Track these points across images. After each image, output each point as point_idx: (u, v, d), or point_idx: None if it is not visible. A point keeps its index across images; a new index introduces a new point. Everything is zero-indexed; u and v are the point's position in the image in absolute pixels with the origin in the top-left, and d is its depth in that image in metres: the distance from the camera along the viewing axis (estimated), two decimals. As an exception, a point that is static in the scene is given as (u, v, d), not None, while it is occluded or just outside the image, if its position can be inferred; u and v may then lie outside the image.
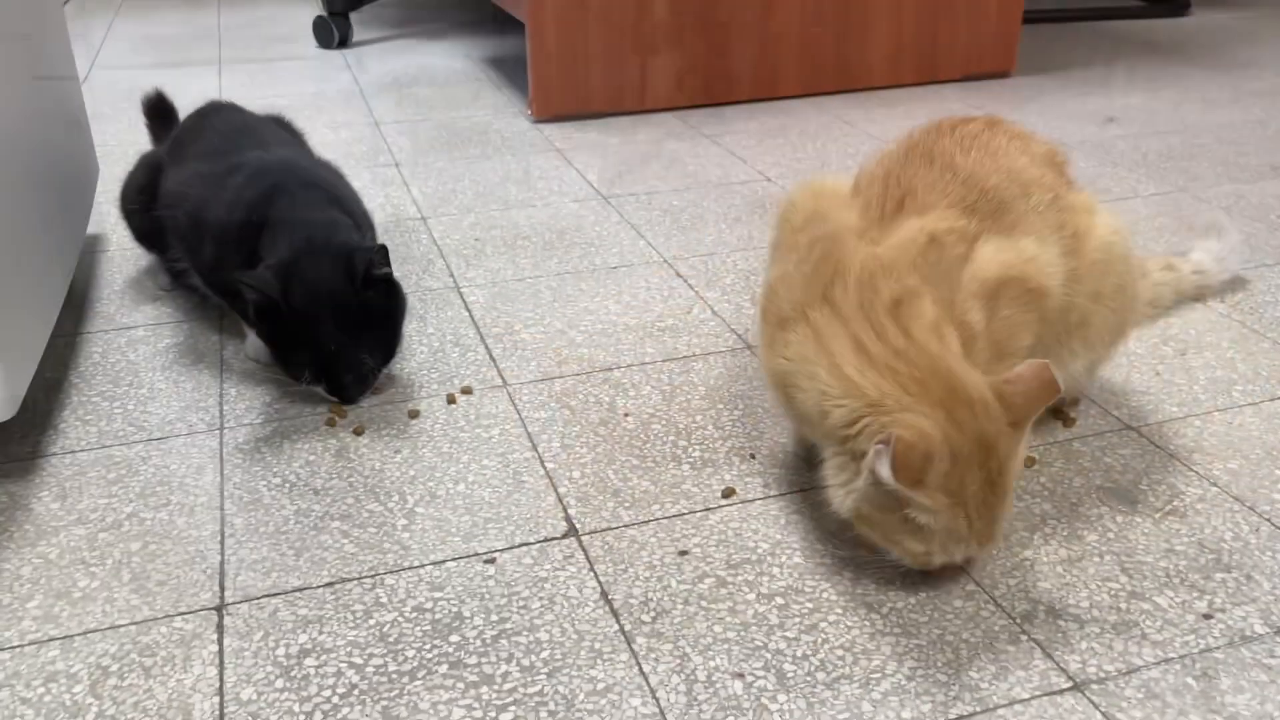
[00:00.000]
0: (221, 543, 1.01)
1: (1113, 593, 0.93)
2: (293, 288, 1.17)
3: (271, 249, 1.22)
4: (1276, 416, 1.19)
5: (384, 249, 1.20)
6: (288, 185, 1.28)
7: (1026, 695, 0.83)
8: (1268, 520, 1.02)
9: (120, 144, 2.15)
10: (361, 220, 1.35)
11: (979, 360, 0.94)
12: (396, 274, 1.57)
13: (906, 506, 0.86)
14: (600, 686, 0.84)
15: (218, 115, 1.48)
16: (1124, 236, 1.08)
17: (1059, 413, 1.19)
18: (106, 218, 1.80)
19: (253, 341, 1.33)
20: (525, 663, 0.87)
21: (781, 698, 0.83)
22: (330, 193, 1.32)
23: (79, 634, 0.90)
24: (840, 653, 0.87)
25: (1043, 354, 1.06)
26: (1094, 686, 0.83)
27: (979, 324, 0.95)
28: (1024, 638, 0.88)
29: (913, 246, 0.95)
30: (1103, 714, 0.81)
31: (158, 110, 1.63)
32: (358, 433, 1.18)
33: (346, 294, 1.18)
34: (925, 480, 0.84)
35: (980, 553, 0.92)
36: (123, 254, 1.66)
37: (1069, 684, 0.84)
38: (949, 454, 0.84)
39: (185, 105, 1.61)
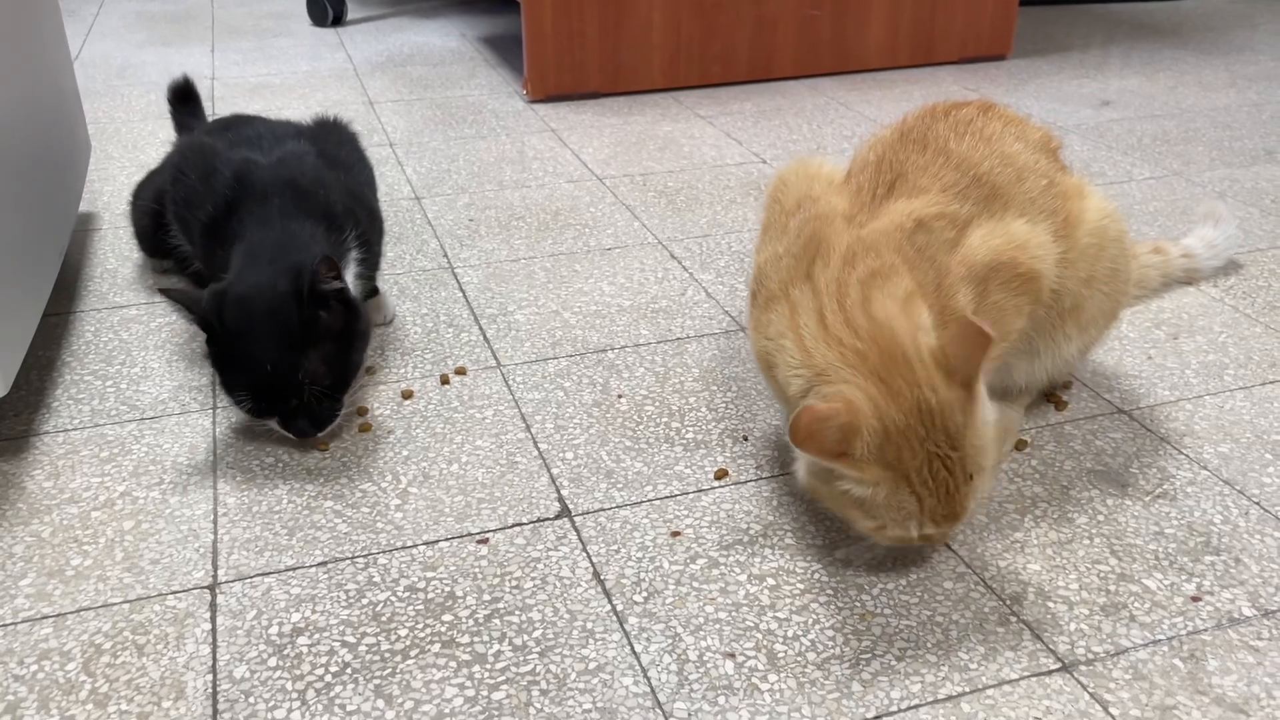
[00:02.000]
0: (214, 522, 1.01)
1: (1102, 575, 0.94)
2: (226, 306, 1.07)
3: (231, 267, 1.14)
4: (1267, 400, 1.19)
5: (329, 260, 1.07)
6: (259, 191, 1.20)
7: (1015, 676, 0.83)
8: (1257, 504, 1.03)
9: (113, 121, 2.14)
10: (347, 221, 1.24)
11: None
12: (390, 254, 1.58)
13: (839, 479, 0.86)
14: (592, 666, 0.85)
15: (239, 126, 1.40)
16: (1116, 220, 1.08)
17: (1051, 395, 1.20)
18: (99, 196, 1.79)
19: None
20: (518, 642, 0.87)
21: (772, 677, 0.83)
22: (309, 197, 1.22)
23: (72, 612, 0.90)
24: (831, 633, 0.88)
25: (1036, 338, 1.06)
26: (1082, 668, 0.84)
27: (966, 308, 0.94)
28: (1013, 619, 0.89)
29: (898, 230, 0.95)
30: (1090, 695, 0.82)
31: (182, 95, 1.60)
32: (360, 413, 1.18)
33: (285, 311, 1.06)
34: (851, 452, 0.83)
35: (941, 530, 0.88)
36: (115, 232, 1.65)
37: (1057, 665, 0.84)
38: (881, 426, 0.83)
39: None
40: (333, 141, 1.41)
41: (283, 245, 1.14)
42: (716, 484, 1.06)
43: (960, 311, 0.93)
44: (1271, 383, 1.23)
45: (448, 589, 0.93)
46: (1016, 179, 1.01)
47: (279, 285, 1.07)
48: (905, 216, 0.96)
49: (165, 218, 1.35)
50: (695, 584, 0.93)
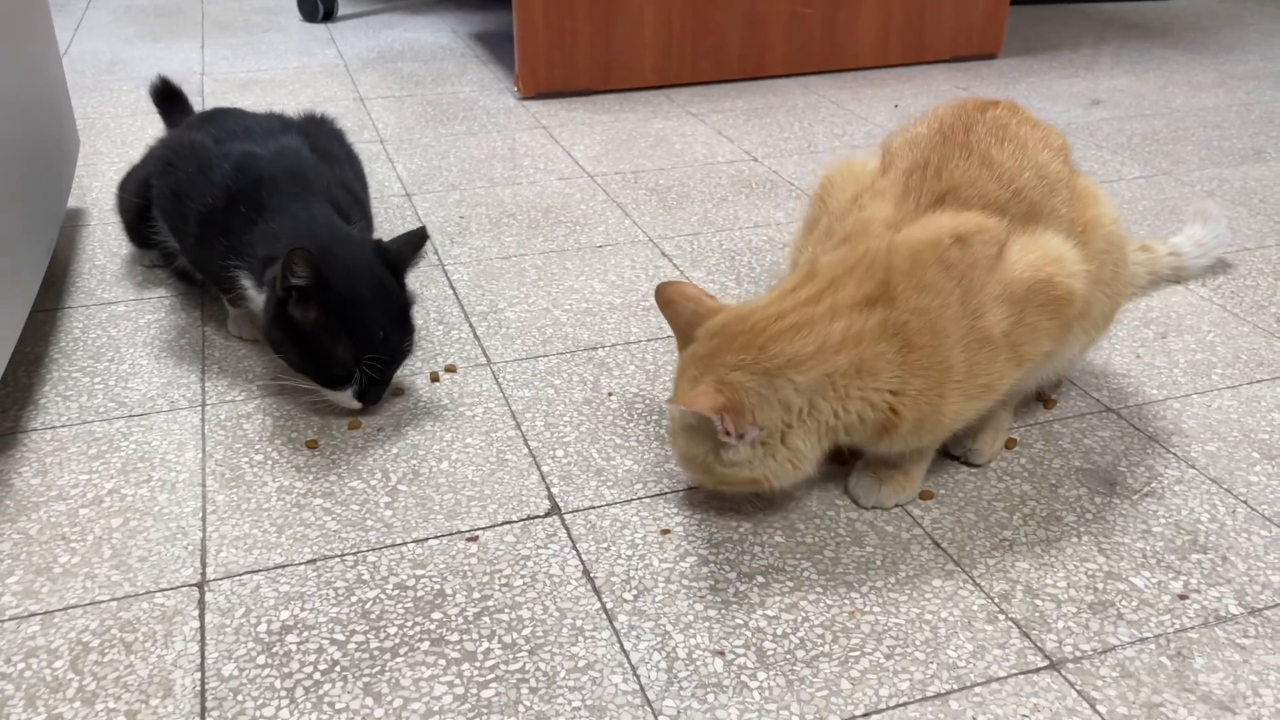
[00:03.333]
0: (203, 519, 1.01)
1: (1090, 573, 0.94)
2: (333, 270, 1.09)
3: (270, 241, 1.15)
4: (1254, 399, 1.20)
5: (423, 232, 1.18)
6: (275, 177, 1.21)
7: (1003, 674, 0.84)
8: (1244, 502, 1.03)
9: (101, 117, 2.13)
10: (350, 211, 1.27)
11: (992, 365, 0.94)
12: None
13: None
14: (582, 664, 0.85)
15: (228, 113, 1.41)
16: (1120, 224, 1.09)
17: (1040, 394, 1.20)
18: (88, 192, 1.79)
19: (234, 318, 1.32)
20: (507, 640, 0.87)
21: (761, 675, 0.84)
22: (315, 186, 1.24)
23: (59, 609, 0.90)
24: (820, 631, 0.88)
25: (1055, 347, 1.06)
26: (1070, 665, 0.84)
27: (997, 327, 0.93)
28: (1001, 617, 0.89)
29: (932, 246, 0.94)
30: (1078, 692, 0.82)
31: (165, 96, 1.60)
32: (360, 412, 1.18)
33: (388, 281, 1.14)
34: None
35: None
36: (104, 228, 1.65)
37: (1045, 663, 0.85)
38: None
39: (170, 79, 1.60)
40: (323, 136, 1.41)
41: (325, 223, 1.17)
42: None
43: (989, 331, 0.93)
44: (1259, 382, 1.23)
45: (437, 587, 0.93)
46: (1049, 191, 1.01)
47: (376, 258, 1.14)
48: (945, 232, 0.95)
49: (149, 211, 1.35)
50: (685, 582, 0.93)
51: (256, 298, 1.18)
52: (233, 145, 1.27)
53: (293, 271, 1.06)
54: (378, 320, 1.11)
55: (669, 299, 1.02)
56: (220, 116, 1.39)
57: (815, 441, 0.94)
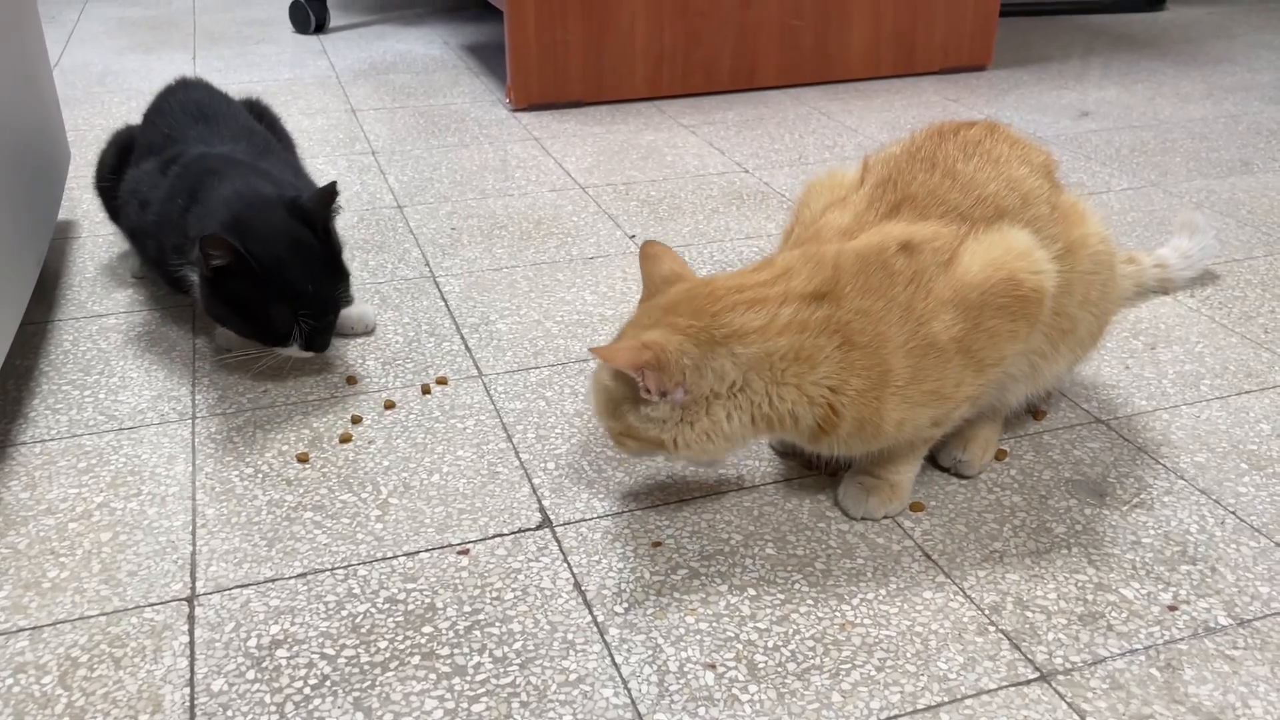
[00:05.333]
0: (193, 533, 1.01)
1: (1080, 584, 0.94)
2: (252, 238, 1.15)
3: (200, 223, 1.20)
4: (1243, 410, 1.21)
5: (333, 186, 1.22)
6: (217, 169, 1.27)
7: (994, 686, 0.84)
8: (1233, 513, 1.03)
9: (92, 128, 2.13)
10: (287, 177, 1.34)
11: (941, 371, 0.93)
12: (371, 263, 1.58)
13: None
14: (573, 677, 0.85)
15: (184, 94, 1.47)
16: (1109, 242, 1.09)
17: (1029, 406, 1.20)
18: (78, 204, 1.78)
19: (223, 332, 1.32)
20: (498, 654, 0.87)
21: (753, 688, 0.83)
22: (260, 171, 1.30)
23: (48, 625, 0.90)
24: (811, 644, 0.88)
25: (1039, 361, 1.05)
26: (1060, 677, 0.85)
27: (945, 333, 0.93)
28: (992, 629, 0.89)
29: (875, 251, 0.94)
30: (1068, 704, 0.82)
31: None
32: (355, 420, 1.18)
33: (305, 237, 1.19)
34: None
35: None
36: (94, 240, 1.65)
37: (1035, 675, 0.85)
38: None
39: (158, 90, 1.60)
40: (267, 119, 1.55)
41: (240, 194, 1.23)
42: (697, 494, 1.06)
43: (935, 338, 0.92)
44: (1247, 392, 1.24)
45: (428, 600, 0.92)
46: (1023, 204, 1.01)
47: (284, 215, 1.20)
48: (894, 239, 0.95)
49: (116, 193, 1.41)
50: (676, 594, 0.93)
51: None
52: (175, 148, 1.35)
53: (209, 255, 1.13)
54: (303, 277, 1.18)
55: (654, 254, 1.02)
56: (171, 104, 1.45)
57: (741, 422, 0.93)
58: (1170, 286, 1.47)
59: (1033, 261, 0.96)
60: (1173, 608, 0.92)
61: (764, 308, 0.92)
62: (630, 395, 0.93)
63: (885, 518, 1.03)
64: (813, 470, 1.10)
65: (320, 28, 2.98)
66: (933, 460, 1.10)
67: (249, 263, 1.14)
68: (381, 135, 2.13)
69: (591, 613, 0.91)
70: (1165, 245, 1.50)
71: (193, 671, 0.85)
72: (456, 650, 0.87)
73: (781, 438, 1.00)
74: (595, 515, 1.03)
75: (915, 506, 1.04)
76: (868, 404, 0.92)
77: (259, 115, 1.54)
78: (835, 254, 0.95)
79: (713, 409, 0.92)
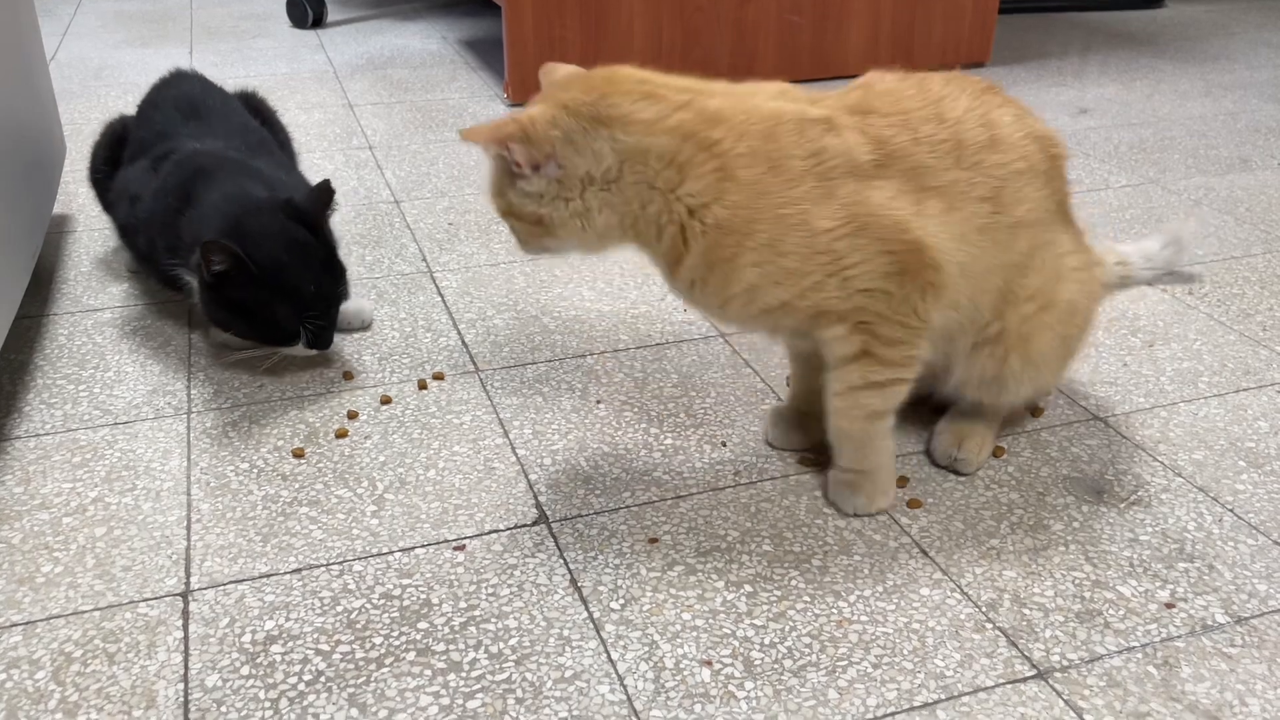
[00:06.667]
0: (188, 528, 1.00)
1: (1077, 582, 0.94)
2: (252, 243, 1.16)
3: (198, 227, 1.20)
4: (1241, 408, 1.20)
5: (328, 185, 1.23)
6: (208, 168, 1.27)
7: (991, 683, 0.84)
8: (1230, 511, 1.03)
9: (89, 122, 2.12)
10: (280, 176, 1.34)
11: (801, 254, 0.91)
12: (368, 258, 1.57)
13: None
14: (568, 674, 0.84)
15: (177, 88, 1.47)
16: (1087, 288, 1.05)
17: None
18: (74, 198, 1.78)
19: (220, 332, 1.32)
20: (493, 650, 0.86)
21: (749, 685, 0.83)
22: (252, 171, 1.30)
23: (42, 619, 0.89)
24: (807, 640, 0.88)
25: (949, 350, 1.04)
26: (1057, 674, 0.84)
27: (822, 221, 0.91)
28: (989, 626, 0.89)
29: (801, 115, 0.93)
30: (1065, 701, 0.82)
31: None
32: (351, 416, 1.18)
33: (304, 237, 1.20)
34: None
35: None
36: (90, 235, 1.64)
37: (1032, 672, 0.85)
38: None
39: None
40: (263, 112, 1.54)
41: (238, 198, 1.23)
42: (694, 490, 1.06)
43: (810, 219, 0.91)
44: (1245, 390, 1.24)
45: (423, 596, 0.92)
46: (1004, 182, 0.97)
47: (281, 218, 1.20)
48: (822, 114, 0.94)
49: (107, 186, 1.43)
50: (672, 591, 0.93)
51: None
52: (167, 144, 1.35)
53: (210, 261, 1.14)
54: (305, 278, 1.19)
55: (551, 69, 1.01)
56: (164, 99, 1.45)
57: (610, 222, 0.94)
58: (1130, 284, 1.47)
59: (937, 243, 0.94)
60: (1170, 605, 0.92)
61: (659, 105, 0.92)
62: (509, 170, 0.94)
63: (880, 511, 1.03)
64: (810, 466, 1.10)
65: (318, 22, 2.97)
66: (930, 458, 1.10)
67: (250, 268, 1.14)
68: (379, 130, 2.13)
69: (587, 609, 0.91)
70: (1131, 243, 1.50)
71: (187, 667, 0.85)
72: (452, 646, 0.87)
73: (650, 258, 0.99)
74: (591, 511, 1.03)
75: (912, 503, 1.04)
76: (722, 247, 0.91)
77: (255, 109, 1.54)
78: (757, 97, 0.95)
79: (587, 195, 0.93)
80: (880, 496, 1.03)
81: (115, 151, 1.45)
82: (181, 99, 1.43)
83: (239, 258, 1.13)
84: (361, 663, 0.85)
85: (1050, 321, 1.02)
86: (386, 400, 1.21)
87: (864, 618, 0.90)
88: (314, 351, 1.23)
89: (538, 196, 0.93)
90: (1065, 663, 0.86)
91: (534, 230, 0.96)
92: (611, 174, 0.92)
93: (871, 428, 1.00)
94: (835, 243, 0.92)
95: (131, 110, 1.51)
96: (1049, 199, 1.01)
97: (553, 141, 0.91)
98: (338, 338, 1.34)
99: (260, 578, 0.94)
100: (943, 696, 0.82)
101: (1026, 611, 0.91)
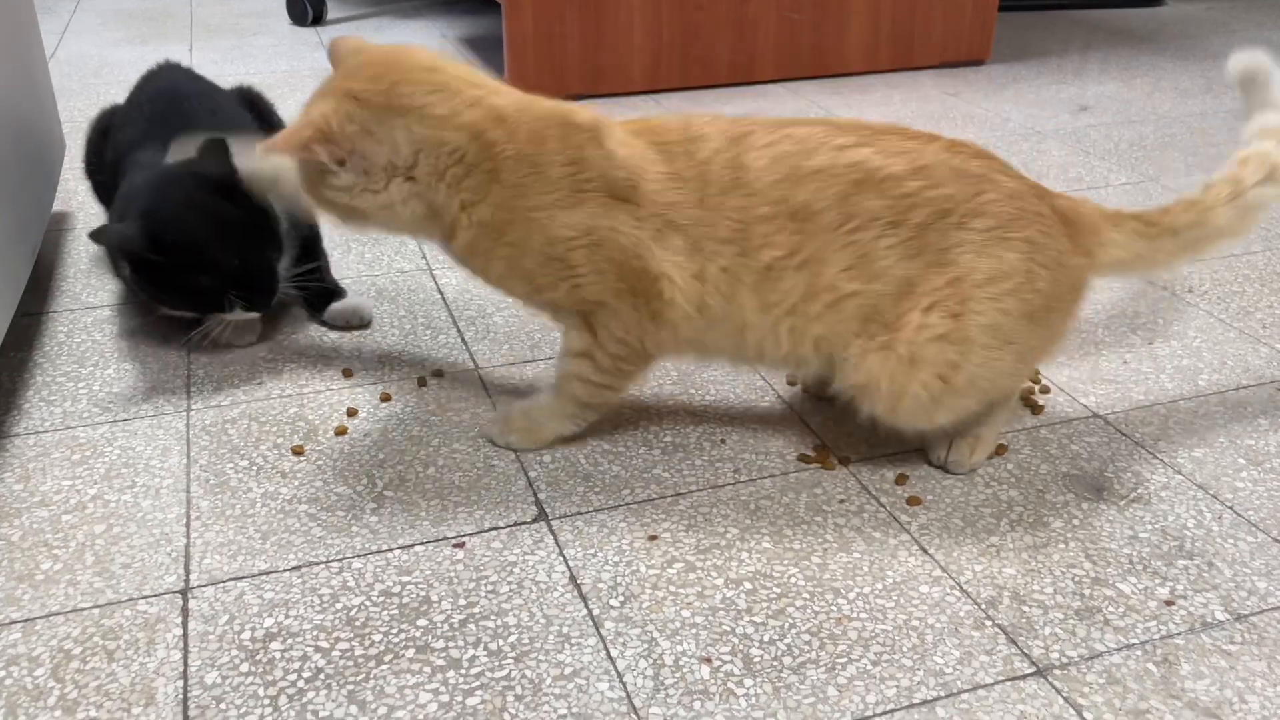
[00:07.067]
0: (187, 525, 1.00)
1: (1076, 579, 0.94)
2: (162, 230, 1.16)
3: (119, 215, 1.23)
4: (1241, 405, 1.20)
5: (222, 141, 1.21)
6: (143, 164, 1.29)
7: (990, 680, 0.84)
8: (1230, 508, 1.03)
9: (88, 120, 2.12)
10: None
11: (540, 258, 0.98)
12: (367, 256, 1.57)
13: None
14: (568, 671, 0.84)
15: (159, 83, 1.48)
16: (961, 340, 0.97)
17: (1027, 400, 1.20)
18: (74, 195, 1.78)
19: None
20: (493, 647, 0.86)
21: (748, 682, 0.83)
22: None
23: (41, 617, 0.89)
24: (807, 637, 0.88)
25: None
26: (1056, 672, 0.84)
27: (563, 230, 0.96)
28: (988, 623, 0.89)
29: (567, 116, 0.98)
30: (1064, 699, 0.82)
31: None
32: (351, 413, 1.18)
33: (222, 208, 1.19)
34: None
35: None
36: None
37: (1032, 669, 0.85)
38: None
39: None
40: (259, 107, 1.56)
41: (150, 181, 1.24)
42: (694, 487, 1.06)
43: (552, 227, 0.97)
44: (1245, 387, 1.24)
45: (423, 593, 0.92)
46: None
47: (197, 191, 1.19)
48: (593, 123, 0.99)
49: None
50: (672, 588, 0.93)
51: None
52: (135, 152, 1.35)
53: (121, 253, 1.16)
54: (225, 251, 1.18)
55: (338, 45, 1.05)
56: (142, 99, 1.46)
57: (417, 213, 0.99)
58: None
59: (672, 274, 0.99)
60: (1170, 603, 0.92)
61: (453, 100, 0.96)
62: (316, 169, 0.97)
63: (515, 449, 1.11)
64: (810, 463, 1.10)
65: (318, 20, 2.97)
66: (925, 457, 1.10)
67: (167, 250, 1.16)
68: (378, 128, 2.12)
69: (587, 606, 0.91)
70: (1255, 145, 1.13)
71: (186, 664, 0.85)
72: (451, 644, 0.87)
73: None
74: (591, 508, 1.03)
75: (912, 501, 1.04)
76: (481, 240, 0.98)
77: (250, 103, 1.54)
78: (540, 99, 1.00)
79: (391, 187, 0.97)
80: (526, 438, 1.11)
81: (105, 141, 1.46)
82: (160, 97, 1.43)
83: (152, 241, 1.15)
84: (361, 660, 0.85)
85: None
86: (386, 398, 1.21)
87: (863, 615, 0.90)
88: (255, 314, 1.25)
89: (348, 189, 0.97)
90: (1065, 660, 0.86)
91: (353, 221, 1.01)
92: (410, 164, 0.96)
93: (565, 404, 1.09)
94: (570, 252, 0.98)
95: (131, 107, 1.50)
96: (832, 241, 0.96)
97: (350, 137, 0.95)
98: (337, 335, 1.34)
99: (260, 575, 0.94)
100: (942, 694, 0.82)
101: (1026, 609, 0.91)
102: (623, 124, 1.03)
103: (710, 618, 0.90)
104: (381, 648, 0.86)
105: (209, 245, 1.18)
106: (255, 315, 1.26)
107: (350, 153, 0.95)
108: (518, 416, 1.11)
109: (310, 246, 1.37)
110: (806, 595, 0.92)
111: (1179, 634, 0.88)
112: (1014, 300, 0.96)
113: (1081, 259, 1.02)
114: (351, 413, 1.18)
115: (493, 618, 0.89)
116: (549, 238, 0.97)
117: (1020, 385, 1.09)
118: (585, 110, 1.01)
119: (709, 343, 1.03)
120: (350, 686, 0.83)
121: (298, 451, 1.11)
